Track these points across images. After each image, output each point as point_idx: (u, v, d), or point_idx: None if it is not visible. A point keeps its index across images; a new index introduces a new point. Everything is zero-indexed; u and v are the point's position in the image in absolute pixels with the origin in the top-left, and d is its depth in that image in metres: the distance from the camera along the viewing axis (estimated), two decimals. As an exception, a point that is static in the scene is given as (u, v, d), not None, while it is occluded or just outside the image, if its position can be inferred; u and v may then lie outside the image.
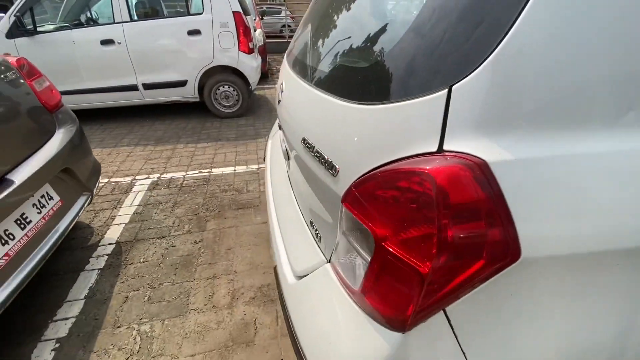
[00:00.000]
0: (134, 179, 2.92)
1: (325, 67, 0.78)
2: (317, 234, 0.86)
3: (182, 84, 4.10)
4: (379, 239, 0.52)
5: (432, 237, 0.46)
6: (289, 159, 1.16)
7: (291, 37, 11.15)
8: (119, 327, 1.56)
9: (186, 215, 2.40)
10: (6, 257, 1.23)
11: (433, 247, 0.46)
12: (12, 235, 1.28)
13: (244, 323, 1.58)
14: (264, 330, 1.55)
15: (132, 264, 1.95)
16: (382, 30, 0.62)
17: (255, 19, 5.94)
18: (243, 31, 4.01)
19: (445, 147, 0.47)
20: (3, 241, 1.23)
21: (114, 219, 2.36)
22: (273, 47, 9.85)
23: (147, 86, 4.03)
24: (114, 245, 2.10)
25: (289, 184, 1.21)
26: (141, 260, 1.97)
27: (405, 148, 0.50)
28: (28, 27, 3.59)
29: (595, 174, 0.46)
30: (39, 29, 3.66)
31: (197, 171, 3.05)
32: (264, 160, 1.71)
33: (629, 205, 0.47)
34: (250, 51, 4.15)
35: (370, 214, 0.54)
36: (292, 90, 0.97)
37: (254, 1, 6.94)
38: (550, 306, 0.49)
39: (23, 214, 1.35)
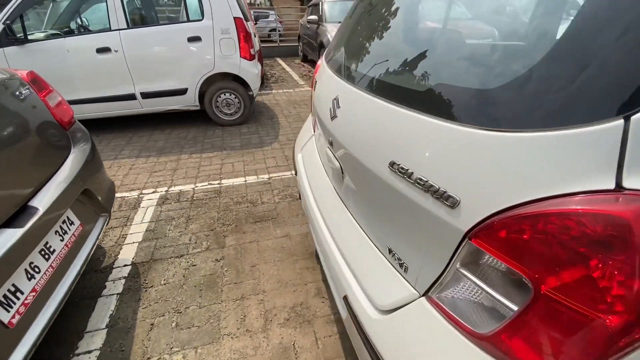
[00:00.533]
0: (141, 194, 2.79)
1: (425, 85, 0.71)
2: (401, 264, 0.80)
3: (183, 92, 3.98)
4: (540, 286, 0.47)
5: (623, 286, 0.41)
6: (342, 178, 1.10)
7: (282, 41, 11.08)
8: (149, 358, 1.46)
9: (202, 231, 2.29)
10: (34, 293, 1.12)
11: (623, 297, 0.41)
12: (38, 267, 1.17)
13: (283, 347, 1.51)
14: (305, 355, 1.48)
15: (152, 286, 1.84)
16: (524, 38, 0.55)
17: (253, 24, 5.85)
18: (244, 37, 3.92)
19: (625, 185, 0.42)
20: (29, 275, 1.12)
21: (125, 238, 2.23)
22: (263, 52, 9.76)
23: (146, 95, 3.89)
24: (130, 267, 1.98)
25: (342, 203, 1.15)
26: (162, 282, 1.87)
27: (568, 183, 0.45)
28: (18, 36, 3.41)
29: None
30: (29, 37, 3.48)
31: (206, 183, 2.94)
32: (295, 174, 1.64)
33: None
34: (251, 57, 4.07)
35: (525, 256, 0.49)
36: (358, 108, 0.91)
37: (246, 5, 6.84)
38: None
39: (47, 243, 1.24)
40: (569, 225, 0.44)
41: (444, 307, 0.67)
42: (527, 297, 0.50)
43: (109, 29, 3.60)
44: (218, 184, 2.93)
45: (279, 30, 11.35)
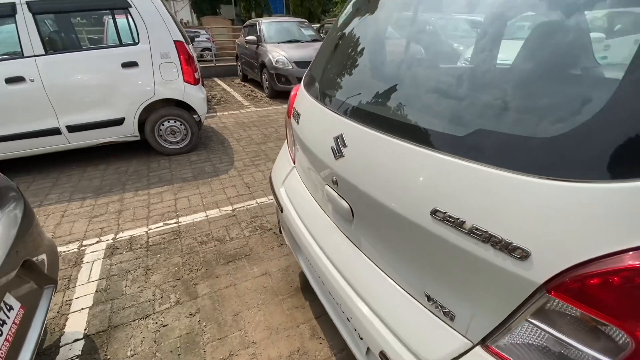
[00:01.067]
0: (81, 246, 2.38)
1: (476, 132, 0.69)
2: (445, 312, 0.76)
3: (119, 122, 3.57)
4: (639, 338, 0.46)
5: None
6: (352, 219, 1.04)
7: (217, 61, 10.75)
8: None
9: (167, 282, 2.02)
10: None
11: None
12: (-27, 382, 0.88)
13: (289, 406, 1.36)
14: (315, 409, 1.35)
15: (116, 361, 1.54)
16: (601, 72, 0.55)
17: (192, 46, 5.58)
18: (186, 60, 3.69)
19: None
20: (-39, 397, 0.84)
21: (70, 305, 1.86)
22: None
23: (74, 128, 3.39)
24: (82, 341, 1.64)
25: (351, 243, 1.09)
26: (128, 353, 1.58)
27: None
28: None
29: None
30: None
31: (161, 223, 2.63)
32: (281, 211, 1.53)
33: None
34: (196, 81, 3.84)
35: (621, 309, 0.48)
36: (378, 150, 0.86)
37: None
38: None
39: (-19, 344, 0.95)
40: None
41: (504, 353, 0.64)
42: (624, 350, 0.49)
43: (21, 56, 3.09)
44: (175, 223, 2.64)
45: (213, 50, 11.04)
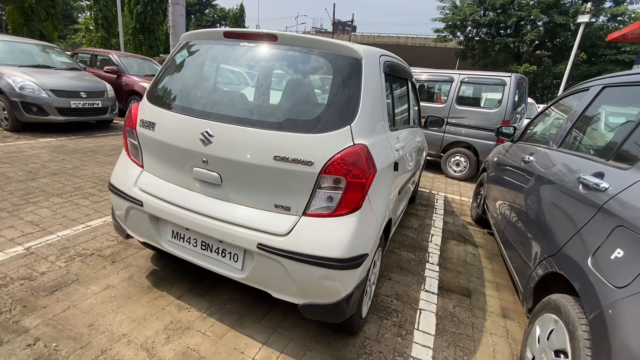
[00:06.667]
0: None
1: (285, 119, 1.52)
2: (285, 208, 1.53)
3: None
4: (348, 178, 1.43)
5: (365, 170, 1.45)
6: (221, 183, 1.64)
7: None
8: None
9: (-35, 335, 1.64)
10: None
11: (367, 174, 1.45)
12: None
13: (181, 355, 1.67)
14: (204, 346, 1.73)
15: None
16: (321, 104, 1.52)
17: None
18: None
19: (355, 142, 1.48)
20: None
21: None
22: None
23: None
24: None
25: (219, 200, 1.67)
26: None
27: (341, 145, 1.45)
28: None
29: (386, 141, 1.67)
30: None
31: None
32: (141, 205, 1.80)
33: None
34: None
35: (340, 171, 1.43)
36: (237, 135, 1.53)
37: None
38: (378, 191, 1.64)
39: None
40: (349, 158, 1.44)
41: (313, 212, 1.51)
42: (343, 185, 1.46)
43: None
44: None
45: None
